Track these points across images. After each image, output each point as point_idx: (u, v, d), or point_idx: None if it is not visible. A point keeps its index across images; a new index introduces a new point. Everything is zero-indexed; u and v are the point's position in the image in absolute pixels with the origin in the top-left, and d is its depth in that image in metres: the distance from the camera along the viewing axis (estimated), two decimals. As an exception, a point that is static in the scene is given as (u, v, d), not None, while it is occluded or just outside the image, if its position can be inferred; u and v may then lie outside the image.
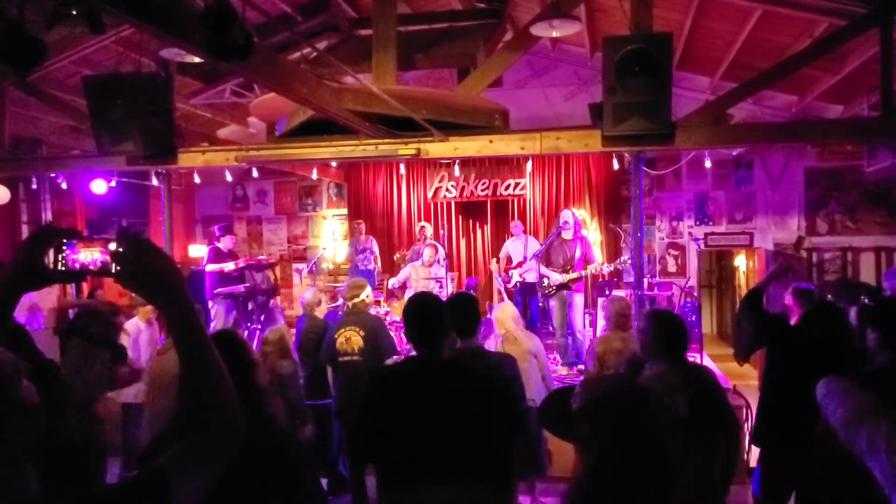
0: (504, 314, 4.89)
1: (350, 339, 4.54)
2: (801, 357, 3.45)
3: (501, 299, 8.65)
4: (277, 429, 2.34)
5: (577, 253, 7.15)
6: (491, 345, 4.72)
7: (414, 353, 2.73)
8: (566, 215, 7.32)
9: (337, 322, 4.82)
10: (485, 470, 2.49)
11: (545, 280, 7.31)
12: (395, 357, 4.85)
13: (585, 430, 1.70)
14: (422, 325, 2.67)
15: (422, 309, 2.74)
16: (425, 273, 8.07)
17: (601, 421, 1.69)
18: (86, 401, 4.14)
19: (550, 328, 7.54)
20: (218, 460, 1.44)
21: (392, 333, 6.25)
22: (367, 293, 4.81)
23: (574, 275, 7.12)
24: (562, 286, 7.20)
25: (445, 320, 2.73)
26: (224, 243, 8.18)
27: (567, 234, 7.26)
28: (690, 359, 6.55)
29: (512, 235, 8.62)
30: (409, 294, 8.02)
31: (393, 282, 8.34)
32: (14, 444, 1.47)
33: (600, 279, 8.13)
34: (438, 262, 8.25)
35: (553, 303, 7.29)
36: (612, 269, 7.44)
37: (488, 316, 8.60)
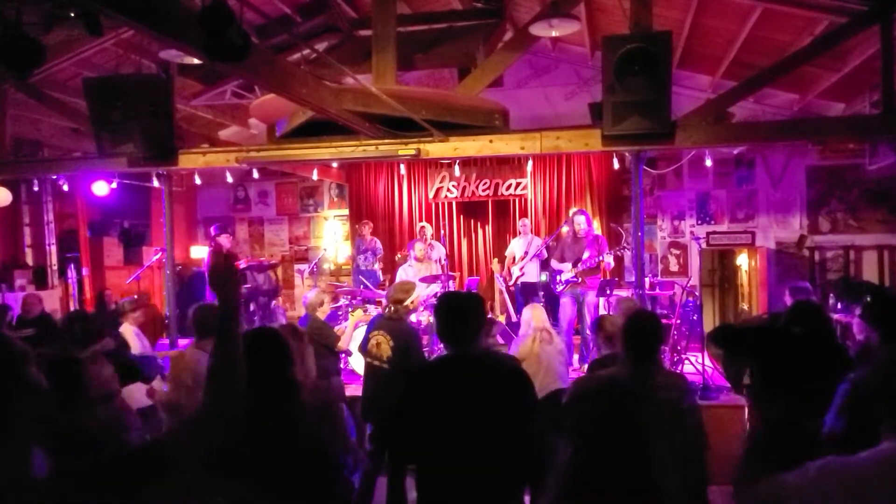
0: (539, 313, 4.92)
1: (380, 345, 4.48)
2: (788, 358, 3.42)
3: (503, 300, 8.66)
4: (305, 419, 2.37)
5: (587, 253, 7.21)
6: (516, 342, 4.70)
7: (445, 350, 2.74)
8: (579, 220, 7.38)
9: (375, 321, 4.79)
10: (516, 464, 2.49)
11: (557, 276, 7.36)
12: None
13: (568, 424, 1.71)
14: (454, 322, 2.67)
15: (454, 305, 2.74)
16: (415, 273, 8.04)
17: (582, 415, 1.68)
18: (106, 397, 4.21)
19: (556, 327, 7.55)
20: (214, 433, 1.54)
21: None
22: (412, 298, 4.66)
23: (580, 268, 7.17)
24: (572, 282, 7.23)
25: (478, 316, 2.73)
26: (221, 243, 8.17)
27: (581, 235, 7.36)
28: (694, 361, 6.56)
29: (519, 234, 8.65)
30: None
31: None
32: (22, 422, 1.53)
33: (601, 279, 8.15)
34: (439, 261, 8.24)
35: (564, 300, 7.30)
36: (612, 255, 7.49)
37: (490, 315, 8.63)
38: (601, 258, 7.17)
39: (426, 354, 7.00)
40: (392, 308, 4.63)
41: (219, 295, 1.87)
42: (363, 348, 4.73)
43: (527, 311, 5.09)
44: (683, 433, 2.93)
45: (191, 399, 3.88)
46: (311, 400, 2.82)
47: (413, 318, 7.38)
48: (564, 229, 8.02)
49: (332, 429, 2.82)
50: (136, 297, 6.78)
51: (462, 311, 2.69)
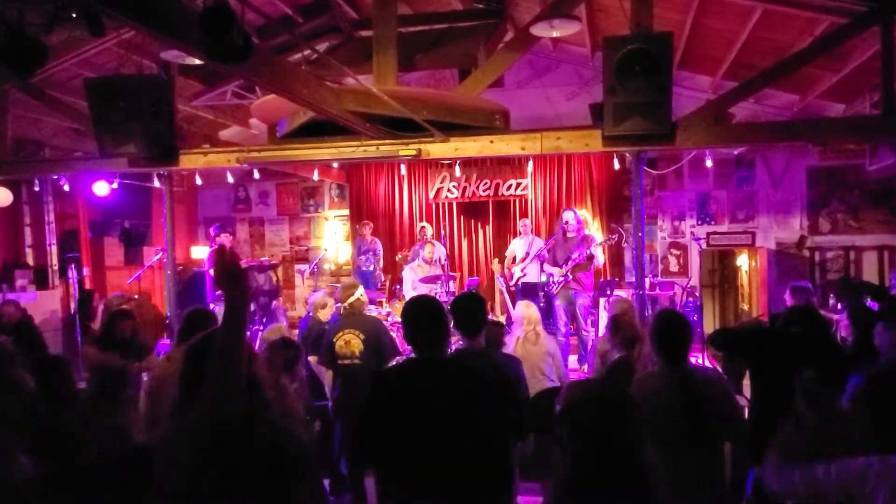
0: (532, 312, 4.90)
1: (350, 343, 4.48)
2: (786, 361, 3.42)
3: (503, 300, 8.67)
4: (270, 420, 2.34)
5: (576, 253, 7.23)
6: (509, 341, 4.70)
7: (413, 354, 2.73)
8: (568, 216, 7.41)
9: (335, 324, 4.74)
10: (485, 471, 2.48)
11: (550, 278, 7.39)
12: (397, 358, 4.83)
13: (564, 431, 1.70)
14: (421, 327, 2.66)
15: (420, 311, 2.73)
16: (423, 273, 8.07)
17: (578, 422, 1.68)
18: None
19: (552, 328, 7.56)
20: (203, 438, 1.52)
21: (393, 334, 6.27)
22: (359, 293, 4.73)
23: (569, 265, 7.20)
24: (564, 282, 7.25)
25: (444, 321, 2.72)
26: (221, 243, 8.16)
27: (571, 233, 7.36)
28: (696, 361, 6.60)
29: (519, 234, 8.67)
30: (409, 295, 8.05)
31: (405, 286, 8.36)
32: (7, 425, 1.53)
33: (601, 279, 8.17)
34: (439, 261, 8.26)
35: (558, 302, 7.34)
36: (599, 247, 7.49)
37: (491, 316, 8.65)
38: (589, 251, 7.20)
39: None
40: (345, 306, 4.66)
41: (225, 291, 1.84)
42: (328, 356, 4.62)
43: (518, 309, 5.09)
44: (736, 421, 2.99)
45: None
46: (274, 400, 2.80)
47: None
48: None
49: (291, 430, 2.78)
50: (122, 294, 6.68)
51: (429, 319, 2.66)
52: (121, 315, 5.29)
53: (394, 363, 4.56)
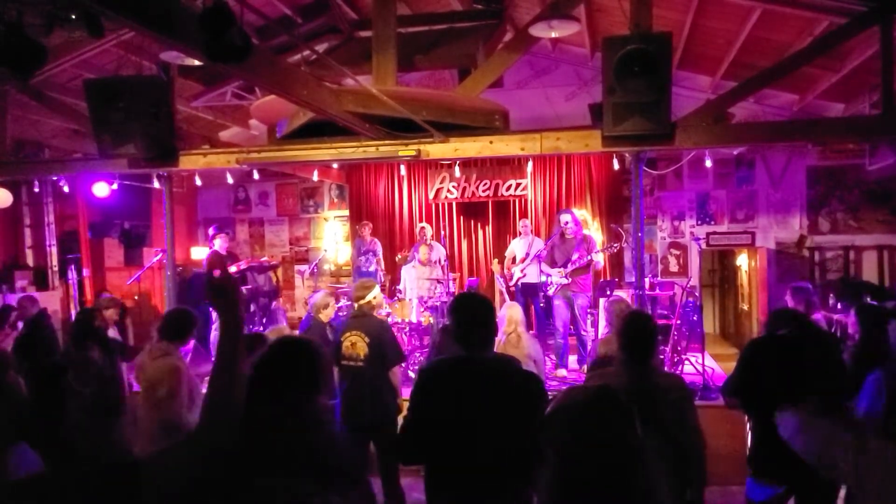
0: (515, 313, 4.90)
1: (355, 345, 4.47)
2: (777, 367, 3.39)
3: (503, 300, 8.66)
4: (319, 427, 2.32)
5: (576, 255, 7.22)
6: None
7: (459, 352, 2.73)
8: (565, 217, 7.41)
9: (344, 324, 4.74)
10: (527, 467, 2.50)
11: (548, 279, 7.39)
12: (401, 364, 4.81)
13: (548, 435, 1.68)
14: (471, 326, 2.68)
15: (472, 309, 2.75)
16: (421, 273, 8.07)
17: (563, 428, 1.65)
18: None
19: (551, 329, 7.56)
20: (199, 460, 1.52)
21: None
22: (373, 294, 4.70)
23: (569, 268, 7.19)
24: (563, 283, 7.25)
25: (494, 321, 2.77)
26: (220, 245, 8.15)
27: (569, 234, 7.36)
28: (695, 361, 6.55)
29: (519, 234, 8.67)
30: (408, 295, 8.04)
31: (402, 288, 8.36)
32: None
33: (601, 280, 8.16)
34: (439, 262, 8.25)
35: (556, 302, 7.34)
36: (599, 253, 7.50)
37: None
38: (590, 257, 7.20)
39: (426, 355, 7.03)
40: (356, 306, 4.66)
41: (219, 311, 1.86)
42: (334, 354, 4.58)
43: (502, 310, 5.10)
44: (686, 433, 2.96)
45: (164, 412, 3.74)
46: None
47: (413, 318, 7.44)
48: None
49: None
50: (112, 297, 6.67)
51: (482, 318, 2.70)
52: (99, 309, 5.23)
53: (436, 360, 4.56)
